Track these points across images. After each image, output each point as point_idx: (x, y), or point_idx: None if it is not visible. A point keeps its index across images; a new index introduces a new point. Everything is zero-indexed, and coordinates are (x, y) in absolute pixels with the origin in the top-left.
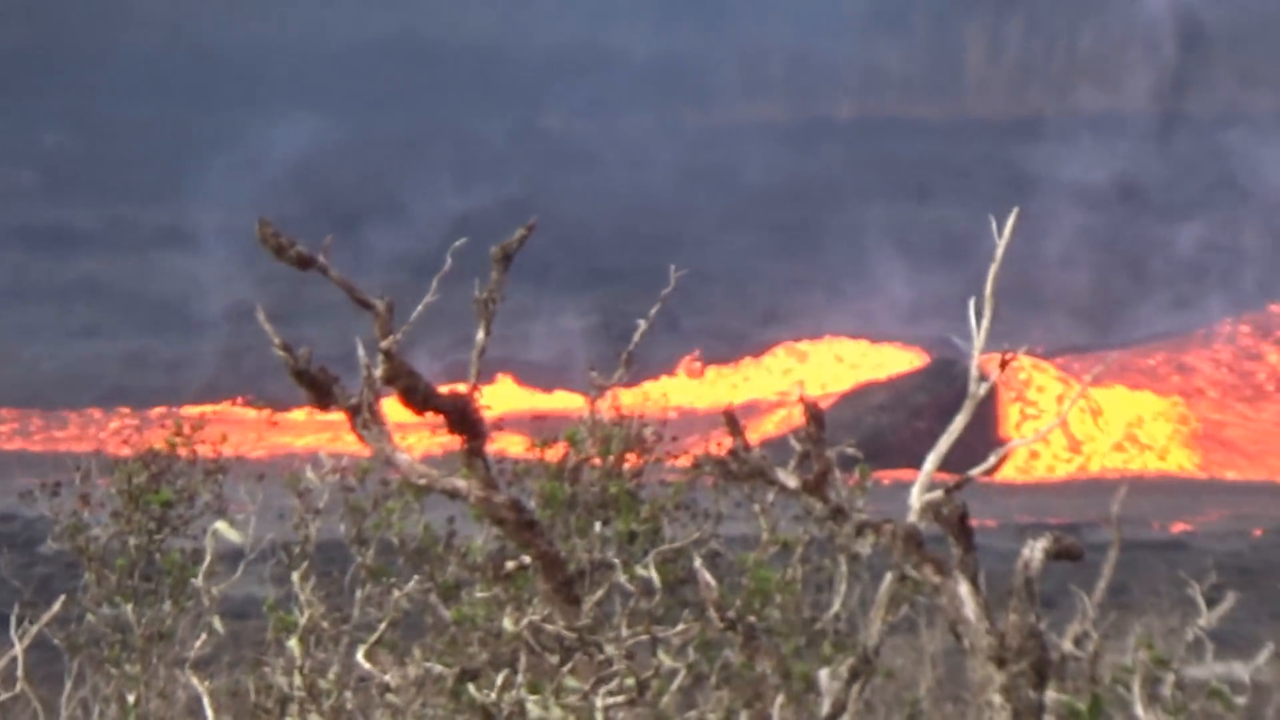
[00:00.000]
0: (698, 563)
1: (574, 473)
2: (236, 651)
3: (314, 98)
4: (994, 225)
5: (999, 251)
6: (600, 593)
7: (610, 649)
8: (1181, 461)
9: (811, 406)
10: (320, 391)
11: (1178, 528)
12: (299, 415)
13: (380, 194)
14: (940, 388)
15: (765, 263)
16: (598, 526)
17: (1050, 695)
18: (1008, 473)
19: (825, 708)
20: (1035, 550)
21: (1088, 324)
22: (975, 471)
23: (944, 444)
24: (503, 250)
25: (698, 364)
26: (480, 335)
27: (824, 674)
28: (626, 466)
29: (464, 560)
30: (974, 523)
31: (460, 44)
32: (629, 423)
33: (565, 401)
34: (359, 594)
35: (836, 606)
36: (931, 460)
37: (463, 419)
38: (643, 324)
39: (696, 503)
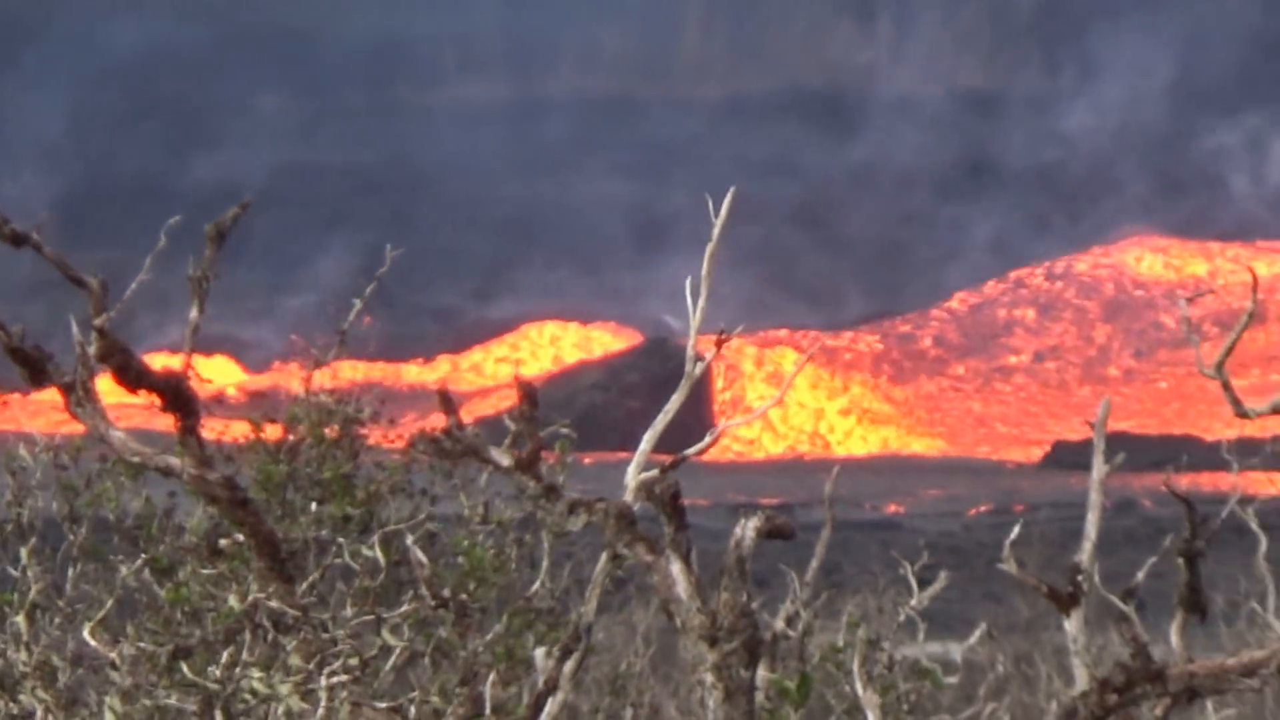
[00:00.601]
0: (409, 540)
1: (291, 452)
2: None
3: (40, 82)
4: (710, 205)
5: (715, 231)
6: (316, 575)
7: (334, 628)
8: (896, 442)
9: (525, 385)
10: (34, 369)
11: (891, 508)
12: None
13: (111, 172)
14: (653, 367)
15: (482, 242)
16: (314, 507)
17: (762, 674)
18: (720, 452)
19: (538, 685)
20: (747, 529)
21: (809, 306)
22: (691, 451)
23: (660, 423)
24: (216, 228)
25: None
26: (194, 313)
27: (539, 653)
28: (340, 451)
29: (180, 538)
30: (686, 501)
31: (178, 26)
32: (348, 403)
33: (282, 381)
34: (71, 572)
35: (538, 584)
36: (648, 439)
37: (176, 397)
38: (357, 303)
39: (413, 484)
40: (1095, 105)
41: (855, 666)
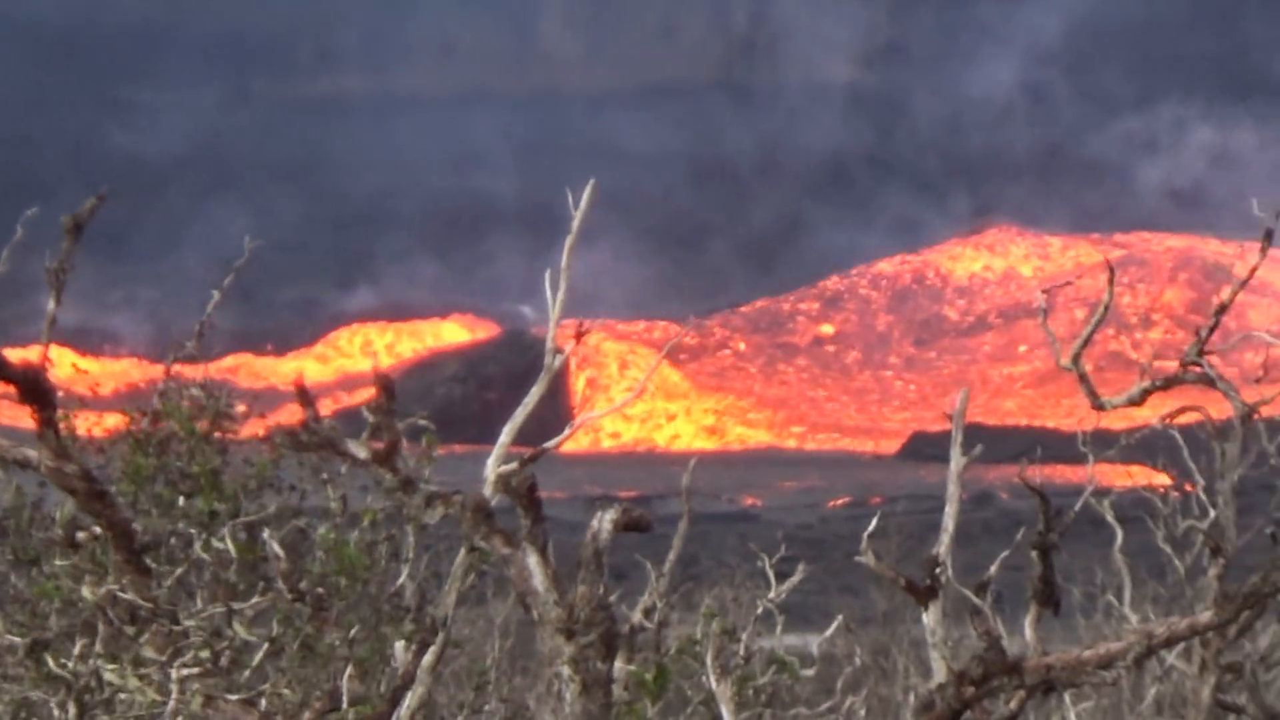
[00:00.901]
0: (266, 534)
1: (161, 445)
2: None
3: None
4: (570, 197)
5: (575, 224)
6: (181, 569)
7: (187, 621)
8: (750, 434)
9: (382, 377)
10: None
11: (748, 500)
12: None
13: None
14: (511, 359)
15: (337, 235)
16: (181, 501)
17: (619, 666)
18: (578, 444)
19: (397, 679)
20: (604, 522)
21: (673, 297)
22: (551, 444)
23: (520, 416)
24: (74, 220)
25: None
26: (51, 305)
27: (399, 646)
28: (209, 446)
29: (46, 529)
30: (543, 494)
31: (41, 18)
32: (217, 397)
33: (132, 370)
34: None
35: (404, 577)
36: (507, 432)
37: (33, 389)
38: (216, 295)
39: (282, 479)
40: (989, 84)
41: (709, 658)
